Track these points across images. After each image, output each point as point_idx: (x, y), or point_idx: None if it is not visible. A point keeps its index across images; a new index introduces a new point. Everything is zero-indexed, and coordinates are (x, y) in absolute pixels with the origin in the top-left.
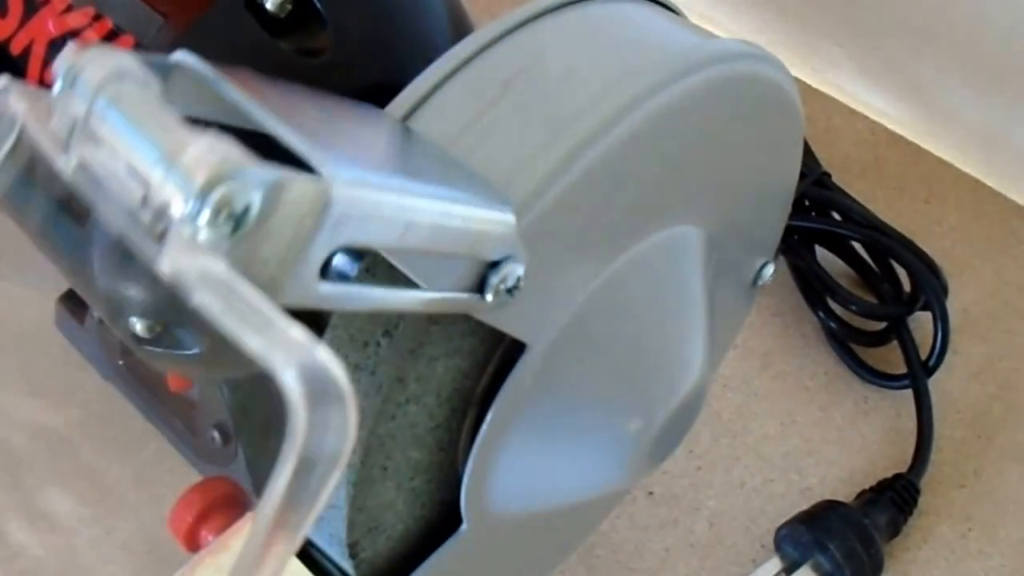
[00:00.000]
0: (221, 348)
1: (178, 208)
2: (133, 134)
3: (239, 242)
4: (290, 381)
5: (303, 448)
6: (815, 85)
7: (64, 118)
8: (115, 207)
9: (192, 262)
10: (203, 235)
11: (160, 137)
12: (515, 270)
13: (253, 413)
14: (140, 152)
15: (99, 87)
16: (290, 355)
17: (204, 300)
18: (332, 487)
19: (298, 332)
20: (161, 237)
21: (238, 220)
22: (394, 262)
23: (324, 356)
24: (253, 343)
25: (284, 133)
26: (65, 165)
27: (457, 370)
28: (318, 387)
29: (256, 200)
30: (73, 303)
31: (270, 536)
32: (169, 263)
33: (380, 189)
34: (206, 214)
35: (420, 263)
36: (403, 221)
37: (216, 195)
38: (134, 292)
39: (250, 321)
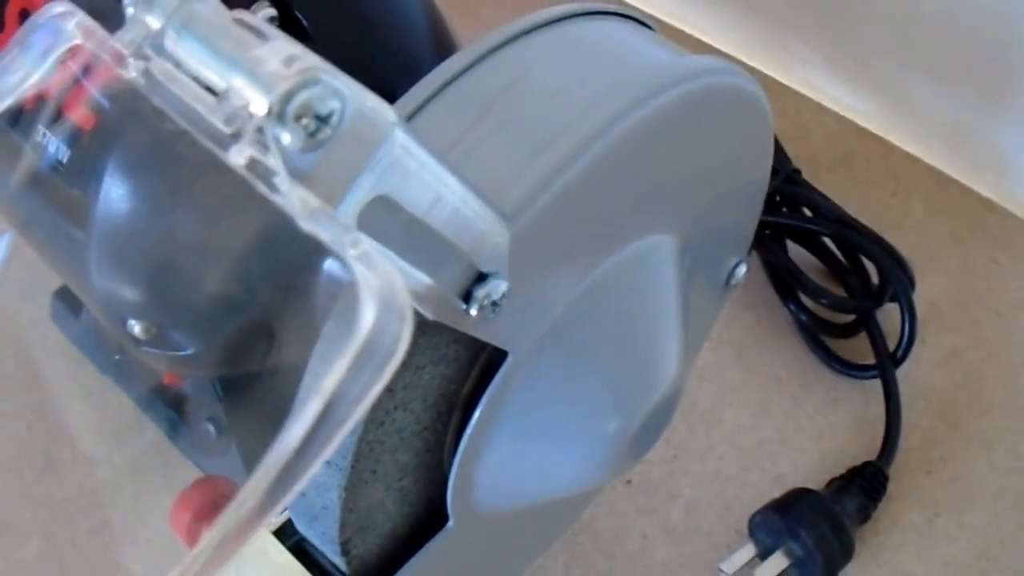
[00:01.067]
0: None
1: (260, 109)
2: (210, 51)
3: (312, 148)
4: (361, 276)
5: (365, 339)
6: (785, 81)
7: (135, 33)
8: (179, 110)
9: (263, 158)
10: (285, 135)
11: (238, 51)
12: (499, 286)
13: (247, 407)
14: (217, 65)
15: (174, 8)
16: (362, 256)
17: (284, 189)
18: (379, 388)
19: (371, 243)
20: (234, 138)
21: (318, 126)
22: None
23: (392, 271)
24: (326, 235)
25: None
26: (130, 72)
27: (443, 376)
28: (386, 293)
29: (337, 106)
30: (69, 297)
31: (320, 421)
32: (240, 156)
33: (426, 151)
34: (290, 114)
35: (427, 252)
36: (435, 191)
37: (300, 99)
38: (131, 295)
39: (321, 219)
